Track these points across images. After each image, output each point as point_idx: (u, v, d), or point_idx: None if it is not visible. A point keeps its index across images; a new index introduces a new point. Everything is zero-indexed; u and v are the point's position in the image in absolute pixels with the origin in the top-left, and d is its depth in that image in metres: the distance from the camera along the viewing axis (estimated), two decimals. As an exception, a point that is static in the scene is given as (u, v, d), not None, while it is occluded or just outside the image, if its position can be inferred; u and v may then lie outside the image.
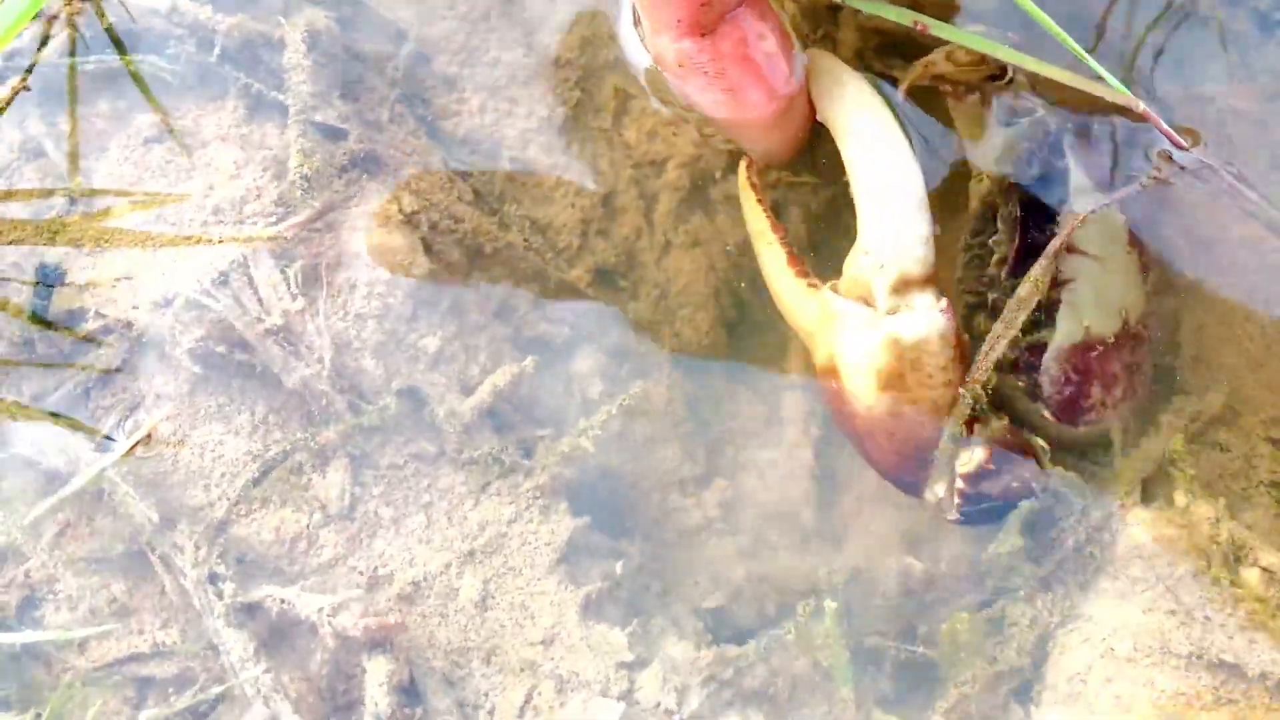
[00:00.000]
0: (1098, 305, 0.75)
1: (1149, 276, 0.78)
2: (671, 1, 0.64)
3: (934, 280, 0.69)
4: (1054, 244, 0.75)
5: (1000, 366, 0.73)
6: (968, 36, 0.72)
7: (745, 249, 0.80)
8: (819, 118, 0.72)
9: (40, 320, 0.77)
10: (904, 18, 0.70)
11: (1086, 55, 0.78)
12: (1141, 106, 0.79)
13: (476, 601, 0.74)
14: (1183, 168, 0.80)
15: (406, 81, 0.83)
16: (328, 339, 0.78)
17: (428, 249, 0.80)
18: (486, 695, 0.73)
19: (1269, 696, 0.70)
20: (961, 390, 0.71)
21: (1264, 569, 0.72)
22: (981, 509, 0.73)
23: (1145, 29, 0.83)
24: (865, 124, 0.69)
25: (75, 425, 0.76)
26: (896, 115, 0.70)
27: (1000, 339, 0.73)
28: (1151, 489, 0.75)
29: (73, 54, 0.82)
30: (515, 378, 0.78)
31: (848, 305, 0.70)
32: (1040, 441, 0.74)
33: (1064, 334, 0.74)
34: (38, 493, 0.75)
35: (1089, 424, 0.75)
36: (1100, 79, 0.78)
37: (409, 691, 0.73)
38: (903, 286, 0.69)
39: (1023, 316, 0.73)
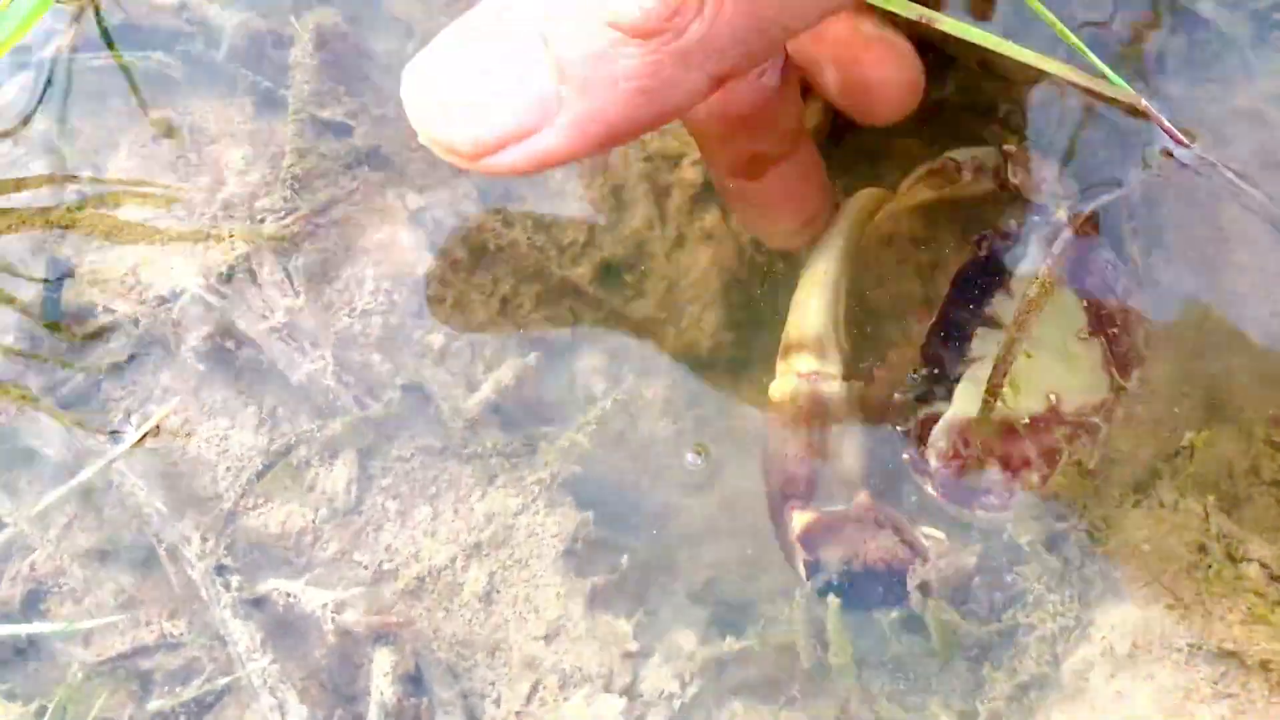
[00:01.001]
0: (1014, 384, 0.74)
1: (1125, 369, 0.76)
2: (722, 161, 0.72)
3: (815, 347, 0.74)
4: (1056, 246, 0.75)
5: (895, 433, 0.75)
6: (972, 31, 0.73)
7: (760, 246, 0.81)
8: None
9: (49, 314, 0.78)
10: (910, 11, 0.71)
11: (1088, 51, 0.79)
12: (1143, 103, 0.79)
13: (481, 595, 0.75)
14: (1184, 165, 0.80)
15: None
16: (333, 335, 0.78)
17: (433, 246, 0.81)
18: (492, 685, 0.73)
19: (1269, 688, 0.70)
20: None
21: (1259, 561, 0.72)
22: (841, 586, 0.72)
23: (1145, 28, 0.83)
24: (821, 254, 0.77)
25: (83, 418, 0.76)
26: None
27: (1015, 342, 0.73)
28: (1141, 488, 0.75)
29: (80, 51, 0.82)
30: (520, 374, 0.78)
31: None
32: (932, 532, 0.73)
33: (957, 408, 0.73)
34: (46, 485, 0.75)
35: (988, 508, 0.73)
36: (1103, 76, 0.79)
37: (414, 681, 0.73)
38: (786, 350, 0.75)
39: (1033, 319, 0.73)
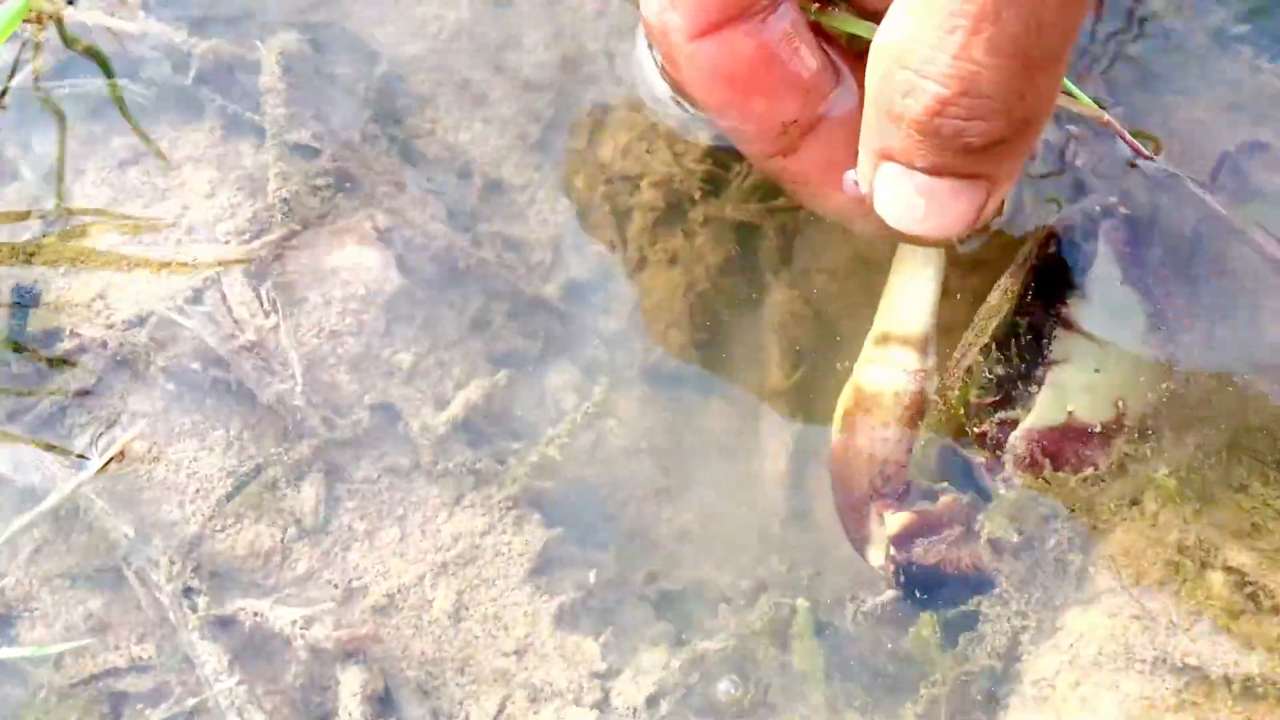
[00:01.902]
0: (1088, 390, 0.74)
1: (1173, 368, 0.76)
2: (749, 137, 0.67)
3: (919, 344, 0.72)
4: (1024, 250, 0.75)
5: (968, 439, 0.73)
6: None
7: (724, 269, 0.82)
8: None
9: (15, 340, 0.78)
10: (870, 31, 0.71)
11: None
12: (1106, 116, 0.80)
13: (450, 613, 0.75)
14: (1146, 175, 0.80)
15: (379, 102, 0.85)
16: (302, 355, 0.79)
17: (401, 266, 0.81)
18: (461, 704, 0.74)
19: (1231, 699, 0.71)
20: (934, 397, 0.72)
21: (1229, 569, 0.73)
22: (924, 584, 0.72)
23: (1109, 41, 0.84)
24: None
25: (50, 443, 0.77)
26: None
27: (971, 346, 0.73)
28: (1136, 500, 0.76)
29: (45, 79, 0.83)
30: (489, 391, 0.79)
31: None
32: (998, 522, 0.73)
33: (1038, 415, 0.73)
34: (13, 510, 0.75)
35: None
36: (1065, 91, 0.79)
37: (383, 701, 0.73)
38: (882, 340, 0.72)
39: (993, 325, 0.74)
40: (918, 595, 0.73)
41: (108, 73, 0.84)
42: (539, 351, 0.81)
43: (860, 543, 0.74)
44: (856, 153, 0.64)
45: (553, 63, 0.86)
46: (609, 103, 0.85)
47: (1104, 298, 0.75)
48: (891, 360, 0.72)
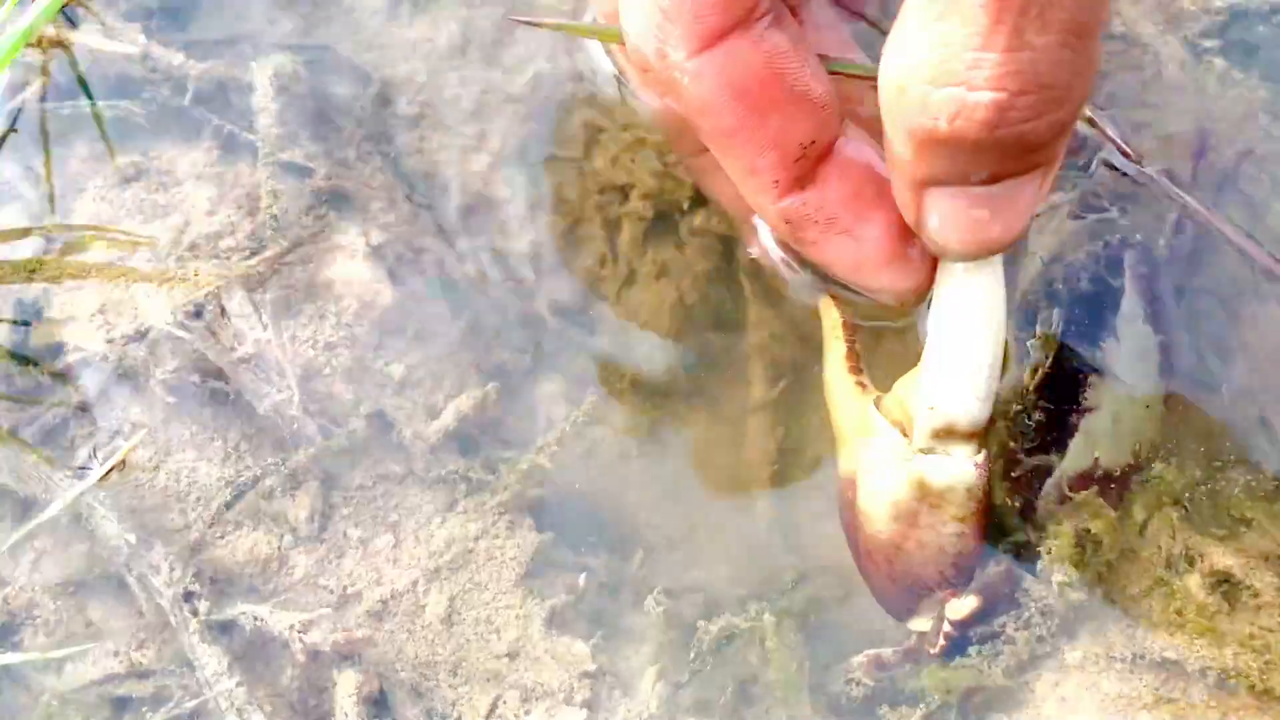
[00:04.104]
0: (1113, 434, 0.73)
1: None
2: (763, 169, 0.59)
3: (979, 435, 0.66)
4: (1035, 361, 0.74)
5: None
6: None
7: (713, 281, 0.83)
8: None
9: (18, 355, 0.80)
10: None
11: None
12: (1087, 113, 0.81)
13: (443, 617, 0.76)
14: (1125, 174, 0.81)
15: (372, 121, 0.86)
16: (297, 367, 0.80)
17: (393, 280, 0.83)
18: (454, 705, 0.75)
19: (1207, 694, 0.71)
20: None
21: (1210, 572, 0.74)
22: (961, 644, 0.72)
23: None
24: (969, 279, 0.62)
25: (53, 454, 0.78)
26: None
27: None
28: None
29: (45, 100, 0.85)
30: (481, 401, 0.80)
31: (885, 427, 0.67)
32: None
33: (1072, 462, 0.72)
34: (16, 520, 0.77)
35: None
36: None
37: (378, 703, 0.75)
38: (945, 434, 0.66)
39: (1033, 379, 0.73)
40: (954, 653, 0.72)
41: (108, 94, 0.86)
42: (529, 362, 0.82)
43: (904, 614, 0.72)
44: (880, 181, 0.59)
45: (540, 78, 0.87)
46: (597, 117, 0.86)
47: (1130, 338, 0.74)
48: (958, 453, 0.66)
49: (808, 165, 0.59)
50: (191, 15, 0.89)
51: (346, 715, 0.74)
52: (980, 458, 0.66)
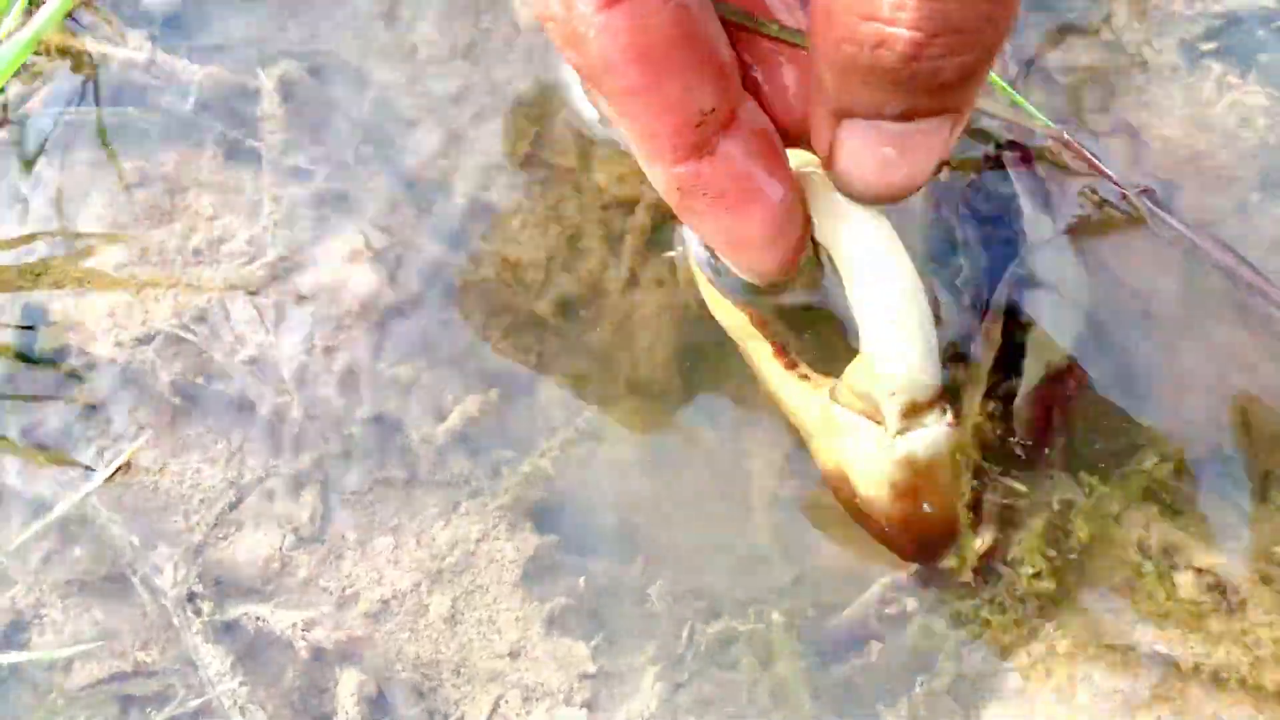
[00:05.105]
0: (1057, 335, 0.76)
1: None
2: (661, 133, 0.58)
3: (942, 396, 0.67)
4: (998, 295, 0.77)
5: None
6: None
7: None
8: (814, 233, 0.67)
9: (26, 358, 0.81)
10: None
11: (1007, 87, 0.81)
12: (1065, 135, 0.81)
13: (445, 618, 0.77)
14: (1104, 201, 0.82)
15: (372, 125, 0.87)
16: (300, 371, 0.81)
17: (394, 283, 0.84)
18: (456, 704, 0.75)
19: (1202, 690, 0.72)
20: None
21: (1197, 570, 0.74)
22: (989, 570, 0.75)
23: (1074, 58, 0.86)
24: (869, 244, 0.64)
25: (58, 456, 0.79)
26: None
27: (979, 384, 0.75)
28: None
29: (50, 106, 0.86)
30: (485, 404, 0.81)
31: (856, 420, 0.68)
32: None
33: (1030, 376, 0.75)
34: (22, 521, 0.78)
35: (1050, 447, 0.77)
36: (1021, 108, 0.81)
37: (379, 703, 0.75)
38: (913, 411, 0.66)
39: (991, 354, 0.76)
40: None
41: (113, 101, 0.87)
42: (532, 367, 0.82)
43: (933, 560, 0.75)
44: (778, 155, 0.61)
45: (539, 82, 0.88)
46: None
47: (1035, 228, 0.78)
48: (930, 420, 0.67)
49: (707, 133, 0.59)
50: (196, 22, 0.89)
51: (348, 714, 0.74)
52: (949, 416, 0.67)
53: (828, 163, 0.59)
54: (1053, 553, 0.75)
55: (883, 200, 0.60)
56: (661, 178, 0.61)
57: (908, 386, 0.65)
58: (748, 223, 0.62)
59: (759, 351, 0.74)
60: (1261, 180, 0.83)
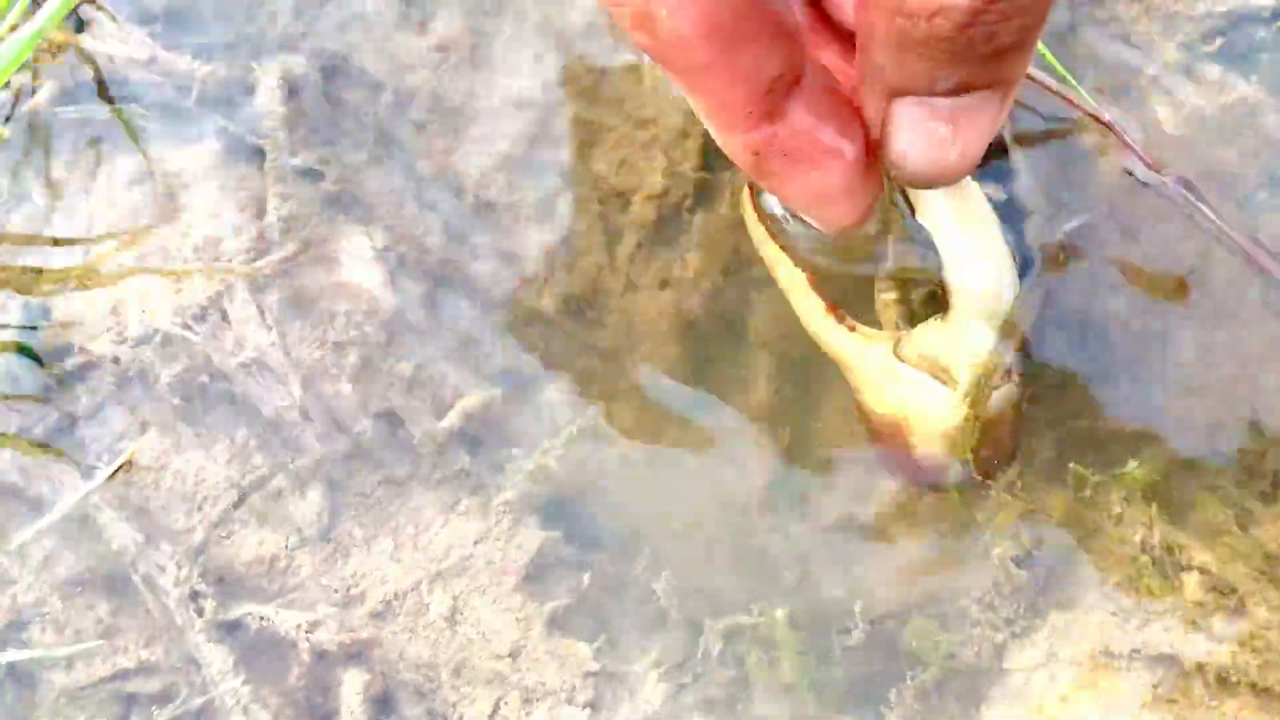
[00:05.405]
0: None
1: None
2: (735, 102, 0.59)
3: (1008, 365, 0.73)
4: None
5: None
6: None
7: (720, 281, 0.83)
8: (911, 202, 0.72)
9: (27, 355, 0.81)
10: None
11: (1061, 67, 0.81)
12: (1106, 116, 0.81)
13: (446, 617, 0.77)
14: (1144, 184, 0.82)
15: (382, 126, 0.87)
16: (303, 368, 0.81)
17: (399, 282, 0.83)
18: (455, 705, 0.75)
19: (1207, 692, 0.72)
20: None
21: (1199, 569, 0.74)
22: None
23: (1076, 57, 0.86)
24: (972, 210, 0.71)
25: (60, 454, 0.79)
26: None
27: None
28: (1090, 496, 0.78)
29: (53, 104, 0.86)
30: (488, 401, 0.81)
31: (926, 380, 0.73)
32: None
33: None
34: (25, 519, 0.78)
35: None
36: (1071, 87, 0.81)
37: (383, 702, 0.75)
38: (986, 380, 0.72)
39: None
40: None
41: (116, 97, 0.87)
42: (535, 364, 0.83)
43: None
44: (848, 108, 0.61)
45: (545, 81, 0.88)
46: (600, 117, 0.87)
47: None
48: (998, 357, 0.73)
49: (778, 98, 0.59)
50: (199, 18, 0.89)
51: (353, 714, 0.74)
52: (1014, 376, 0.73)
53: (881, 147, 0.59)
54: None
55: (937, 183, 0.60)
56: (736, 145, 0.61)
57: (992, 357, 0.71)
58: (826, 178, 0.62)
59: (809, 306, 0.77)
60: (1269, 179, 0.83)
